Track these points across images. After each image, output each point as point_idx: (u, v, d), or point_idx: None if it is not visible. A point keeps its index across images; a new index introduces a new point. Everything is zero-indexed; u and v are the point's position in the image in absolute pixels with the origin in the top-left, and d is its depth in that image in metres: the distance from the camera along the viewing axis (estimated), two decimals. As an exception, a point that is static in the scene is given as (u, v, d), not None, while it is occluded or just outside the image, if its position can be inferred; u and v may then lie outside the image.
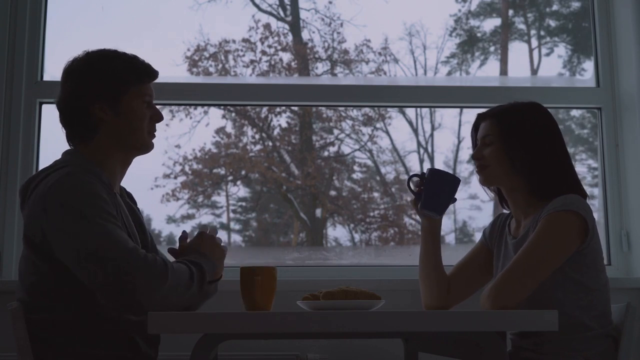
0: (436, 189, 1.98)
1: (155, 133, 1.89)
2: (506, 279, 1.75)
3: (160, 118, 1.89)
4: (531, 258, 1.76)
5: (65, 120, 1.84)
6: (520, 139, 1.91)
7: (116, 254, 1.59)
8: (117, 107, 1.80)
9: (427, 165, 3.06)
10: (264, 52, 3.04)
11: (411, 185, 2.03)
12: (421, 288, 2.09)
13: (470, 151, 2.08)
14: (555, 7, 3.12)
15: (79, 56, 1.85)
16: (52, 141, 2.67)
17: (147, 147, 1.87)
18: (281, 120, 3.08)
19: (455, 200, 2.01)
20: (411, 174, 2.06)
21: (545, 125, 1.94)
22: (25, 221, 1.72)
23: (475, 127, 2.04)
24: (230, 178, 3.05)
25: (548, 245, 1.77)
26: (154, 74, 1.88)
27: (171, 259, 1.77)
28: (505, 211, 2.11)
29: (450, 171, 2.70)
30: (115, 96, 1.80)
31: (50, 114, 2.68)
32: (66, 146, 1.87)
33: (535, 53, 3.12)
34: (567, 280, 1.80)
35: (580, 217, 1.79)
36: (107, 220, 1.64)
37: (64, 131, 1.85)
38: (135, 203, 1.99)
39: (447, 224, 3.08)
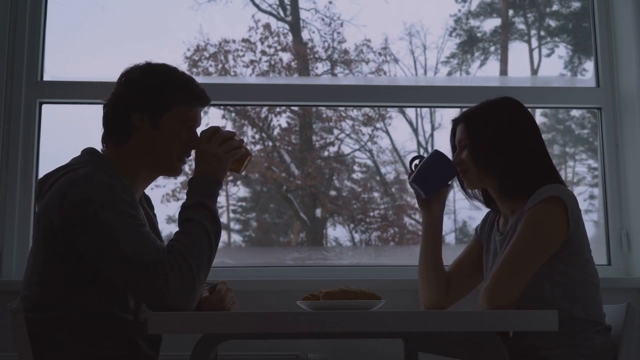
0: (430, 168, 1.99)
1: (186, 159, 1.85)
2: (497, 279, 1.75)
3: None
4: (518, 254, 1.76)
5: (105, 120, 1.82)
6: (487, 140, 1.91)
7: (142, 251, 1.57)
8: (155, 122, 1.77)
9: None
10: (263, 52, 3.04)
11: (412, 166, 2.06)
12: (420, 287, 2.09)
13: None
14: (555, 7, 3.12)
15: (140, 64, 1.83)
16: (52, 141, 2.67)
17: (172, 170, 1.83)
18: (281, 120, 3.08)
19: (448, 186, 2.04)
20: (415, 155, 2.09)
21: (514, 120, 1.93)
22: (38, 217, 1.70)
23: (453, 132, 2.05)
24: (230, 178, 3.05)
25: (534, 238, 1.76)
26: (206, 100, 1.85)
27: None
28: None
29: None
30: (156, 110, 1.77)
31: (50, 114, 2.68)
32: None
33: (536, 53, 3.11)
34: (553, 271, 1.79)
35: (562, 203, 1.77)
36: (129, 217, 1.61)
37: (102, 130, 1.83)
38: (152, 208, 1.97)
39: (447, 224, 3.07)
